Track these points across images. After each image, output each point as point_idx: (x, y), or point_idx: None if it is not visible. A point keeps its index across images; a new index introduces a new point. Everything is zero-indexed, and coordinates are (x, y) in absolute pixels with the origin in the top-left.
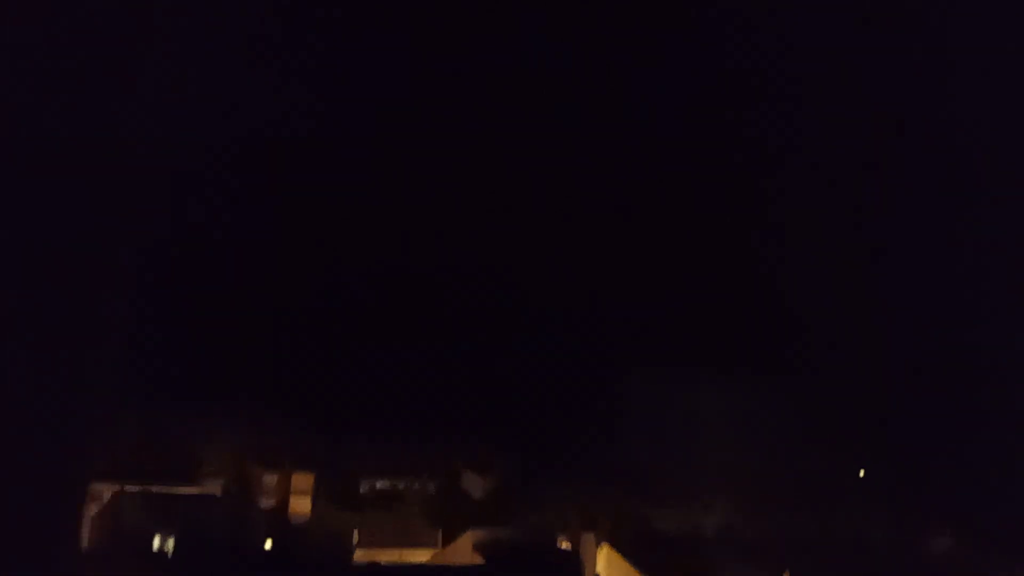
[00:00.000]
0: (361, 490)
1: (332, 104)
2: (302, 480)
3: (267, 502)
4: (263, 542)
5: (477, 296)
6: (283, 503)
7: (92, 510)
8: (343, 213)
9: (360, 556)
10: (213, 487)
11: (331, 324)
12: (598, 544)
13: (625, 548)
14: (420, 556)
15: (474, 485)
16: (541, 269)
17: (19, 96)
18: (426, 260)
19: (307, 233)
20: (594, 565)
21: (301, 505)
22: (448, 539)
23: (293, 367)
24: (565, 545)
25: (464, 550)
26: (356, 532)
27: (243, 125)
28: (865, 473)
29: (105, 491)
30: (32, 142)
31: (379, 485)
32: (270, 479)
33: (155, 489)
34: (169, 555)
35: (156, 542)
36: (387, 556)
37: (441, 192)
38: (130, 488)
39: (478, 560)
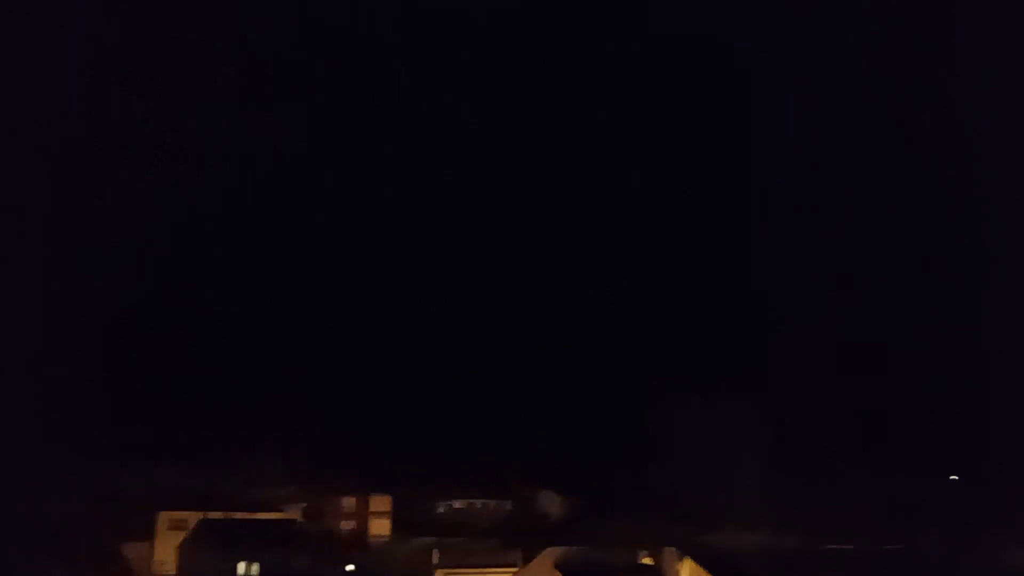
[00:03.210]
0: (439, 511)
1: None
2: (380, 502)
3: (347, 525)
4: (344, 565)
5: (555, 323)
6: (362, 526)
7: (178, 537)
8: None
9: None
10: (294, 512)
11: (409, 351)
12: (680, 559)
13: (708, 562)
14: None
15: (551, 504)
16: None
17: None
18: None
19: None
20: None
21: (380, 527)
22: (527, 558)
23: (370, 392)
24: (647, 560)
25: (544, 569)
26: (435, 553)
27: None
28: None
29: (190, 518)
30: None
31: (456, 505)
32: (349, 503)
33: (238, 515)
34: None
35: (241, 568)
36: None
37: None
38: (213, 515)
39: None
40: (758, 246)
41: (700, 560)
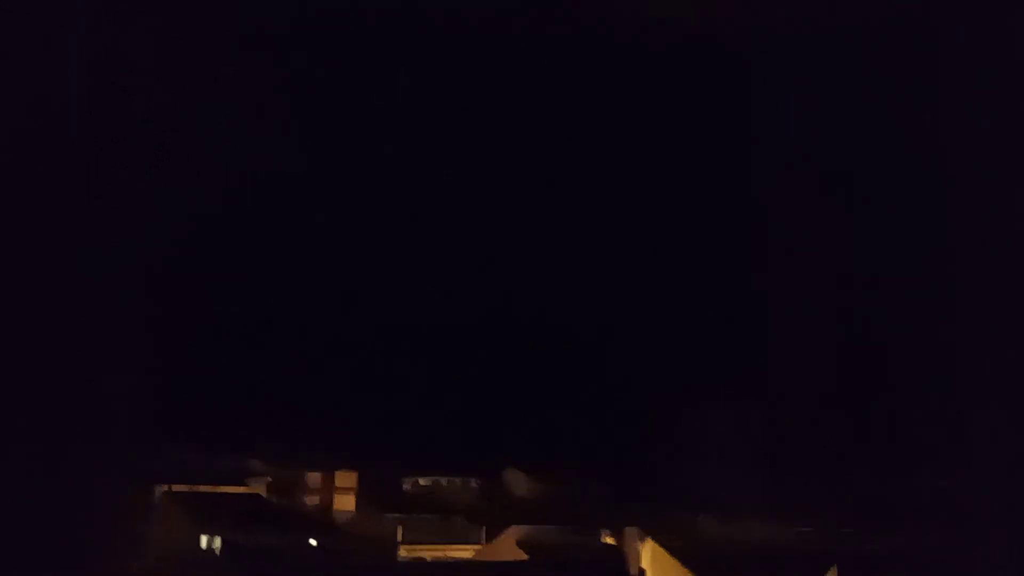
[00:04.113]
0: (404, 487)
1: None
2: (346, 478)
3: (311, 500)
4: (307, 540)
5: (520, 303)
6: (327, 501)
7: (141, 511)
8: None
9: (404, 553)
10: (258, 486)
11: (377, 323)
12: (642, 539)
13: (671, 543)
14: (464, 553)
15: (517, 482)
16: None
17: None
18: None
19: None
20: (638, 560)
21: (345, 503)
22: (491, 536)
23: (335, 366)
24: (609, 540)
25: (507, 547)
26: (400, 529)
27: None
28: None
29: (153, 490)
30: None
31: (422, 482)
32: (314, 477)
33: (202, 489)
34: (216, 554)
35: (203, 541)
36: (431, 553)
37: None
38: (177, 488)
39: (521, 556)
40: (758, 246)
41: (661, 541)
